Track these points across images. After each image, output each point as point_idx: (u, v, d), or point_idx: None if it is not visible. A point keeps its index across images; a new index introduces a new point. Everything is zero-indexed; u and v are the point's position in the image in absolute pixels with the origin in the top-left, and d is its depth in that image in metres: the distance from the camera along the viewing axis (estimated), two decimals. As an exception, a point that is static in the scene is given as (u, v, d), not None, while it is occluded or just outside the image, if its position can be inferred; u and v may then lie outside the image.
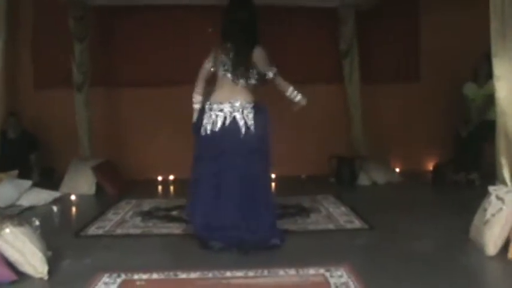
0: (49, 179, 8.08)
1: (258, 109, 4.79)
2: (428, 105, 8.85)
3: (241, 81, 4.79)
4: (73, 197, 6.94)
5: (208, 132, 4.74)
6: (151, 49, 8.73)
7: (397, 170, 8.64)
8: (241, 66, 4.76)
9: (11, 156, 6.86)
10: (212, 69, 4.91)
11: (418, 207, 6.52)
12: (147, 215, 6.17)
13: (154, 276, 4.04)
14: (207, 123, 4.75)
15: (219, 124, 4.70)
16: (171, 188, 8.29)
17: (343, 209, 6.36)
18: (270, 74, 4.76)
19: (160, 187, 8.33)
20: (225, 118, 4.71)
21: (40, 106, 8.69)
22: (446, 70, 8.70)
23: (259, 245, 4.63)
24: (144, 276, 4.02)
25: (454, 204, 6.55)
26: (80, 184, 7.60)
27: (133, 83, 8.72)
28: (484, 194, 4.66)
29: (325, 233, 5.38)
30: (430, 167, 8.68)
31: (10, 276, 3.91)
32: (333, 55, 8.63)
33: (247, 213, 4.68)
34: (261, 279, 3.94)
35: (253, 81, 4.84)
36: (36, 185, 7.18)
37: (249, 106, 4.74)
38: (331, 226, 5.62)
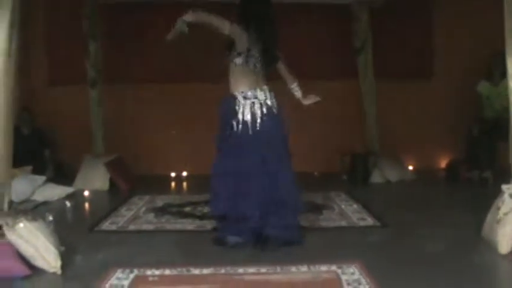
0: (62, 174, 8.11)
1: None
2: (442, 102, 8.80)
3: (262, 71, 4.70)
4: (86, 193, 6.98)
5: (248, 123, 4.52)
6: (164, 47, 8.70)
7: (411, 167, 8.61)
8: (269, 59, 4.70)
9: (25, 152, 6.90)
10: (227, 33, 4.64)
11: (431, 205, 6.50)
12: (160, 211, 6.19)
13: (167, 272, 4.05)
14: (242, 112, 4.53)
15: (258, 113, 4.53)
16: (184, 184, 8.31)
17: (355, 206, 6.35)
18: (295, 92, 4.97)
19: (173, 183, 8.36)
20: (261, 105, 4.55)
21: (54, 103, 8.73)
22: (460, 67, 8.66)
23: (278, 241, 4.61)
24: (157, 272, 4.03)
25: (467, 203, 6.53)
26: (93, 180, 7.64)
27: (146, 79, 8.74)
28: (497, 192, 4.63)
29: (338, 230, 5.38)
30: (444, 164, 8.65)
31: (24, 270, 3.94)
32: (346, 52, 8.60)
33: (270, 207, 4.61)
34: (273, 276, 3.94)
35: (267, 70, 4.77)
36: (50, 180, 7.23)
37: (271, 92, 4.68)
38: (343, 223, 5.61)
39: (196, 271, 4.04)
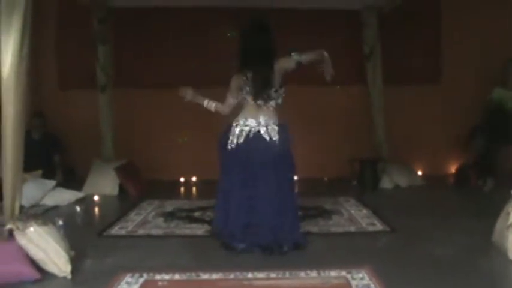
0: (72, 179, 8.14)
1: (280, 126, 4.89)
2: (451, 107, 8.78)
3: (263, 103, 4.87)
4: (96, 198, 7.00)
5: (234, 146, 4.82)
6: (173, 50, 8.77)
7: (420, 172, 8.60)
8: (261, 90, 4.84)
9: (35, 157, 6.92)
10: (235, 100, 5.03)
11: (440, 210, 6.48)
12: (169, 216, 6.20)
13: (177, 276, 4.06)
14: (232, 137, 4.85)
15: (243, 136, 4.81)
16: (194, 189, 8.32)
17: (365, 211, 6.34)
18: (297, 58, 4.91)
19: (182, 188, 8.37)
20: (249, 131, 4.82)
21: (64, 107, 8.78)
22: (468, 73, 8.67)
23: (283, 245, 4.66)
24: (166, 277, 4.04)
25: (476, 208, 6.51)
26: (102, 185, 7.66)
27: (156, 84, 8.76)
28: (507, 197, 4.61)
29: (347, 235, 5.37)
30: (453, 170, 8.61)
31: (34, 274, 3.96)
32: (355, 57, 8.60)
33: (274, 215, 4.71)
34: (282, 281, 3.94)
35: (273, 103, 4.90)
36: (59, 185, 7.25)
37: (272, 123, 4.86)
38: (352, 228, 5.60)
39: (205, 276, 4.05)
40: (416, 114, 8.88)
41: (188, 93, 5.17)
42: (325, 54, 4.99)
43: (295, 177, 5.23)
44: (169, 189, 8.06)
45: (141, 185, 7.82)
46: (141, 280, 3.97)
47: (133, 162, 8.18)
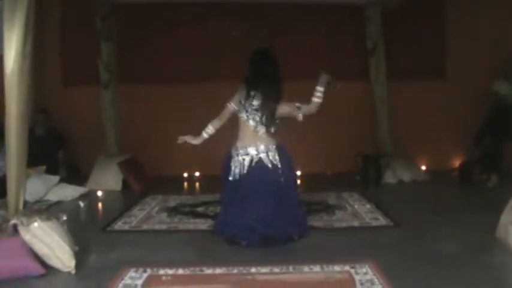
0: (76, 175, 8.16)
1: (280, 149, 5.00)
2: (454, 103, 8.76)
3: (263, 129, 4.94)
4: (99, 193, 7.01)
5: (237, 176, 4.94)
6: (176, 47, 8.76)
7: (423, 167, 8.59)
8: (266, 117, 4.92)
9: (39, 153, 6.92)
10: (234, 110, 5.02)
11: (444, 205, 6.48)
12: (173, 211, 6.21)
13: (180, 271, 4.07)
14: (235, 167, 4.96)
15: (246, 165, 4.92)
16: (197, 184, 8.33)
17: (368, 206, 6.35)
18: (300, 116, 4.94)
19: (185, 183, 8.38)
20: (251, 160, 4.92)
21: (67, 104, 8.79)
22: (473, 68, 8.63)
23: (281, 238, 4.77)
24: (170, 272, 4.05)
25: (480, 203, 6.50)
26: (106, 180, 7.68)
27: (159, 80, 8.76)
28: (511, 193, 4.61)
29: (351, 230, 5.38)
30: (457, 165, 8.60)
31: (39, 269, 3.98)
32: (358, 53, 8.60)
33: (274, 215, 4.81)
34: (286, 276, 3.95)
35: (273, 130, 4.97)
36: (63, 180, 7.27)
37: (273, 148, 4.95)
38: (356, 223, 5.61)
39: (209, 271, 4.06)
40: (420, 110, 8.87)
41: (192, 141, 5.14)
42: (321, 87, 4.96)
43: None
44: (173, 185, 8.06)
45: (144, 180, 7.83)
46: (145, 275, 3.98)
47: (137, 157, 8.19)
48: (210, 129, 5.05)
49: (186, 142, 5.09)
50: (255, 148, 4.92)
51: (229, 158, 5.04)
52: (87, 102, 8.65)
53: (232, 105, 4.99)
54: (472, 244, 4.71)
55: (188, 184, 8.35)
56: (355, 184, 7.82)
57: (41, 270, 3.98)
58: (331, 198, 6.74)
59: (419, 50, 8.86)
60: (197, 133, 4.98)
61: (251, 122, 4.94)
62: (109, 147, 8.17)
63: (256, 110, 4.92)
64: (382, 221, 5.67)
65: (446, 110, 8.84)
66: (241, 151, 4.95)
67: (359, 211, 6.11)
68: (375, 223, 5.60)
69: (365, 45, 8.43)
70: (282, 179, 4.89)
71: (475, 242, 4.76)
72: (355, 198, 6.79)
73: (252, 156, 4.92)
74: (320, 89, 4.91)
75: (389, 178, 8.00)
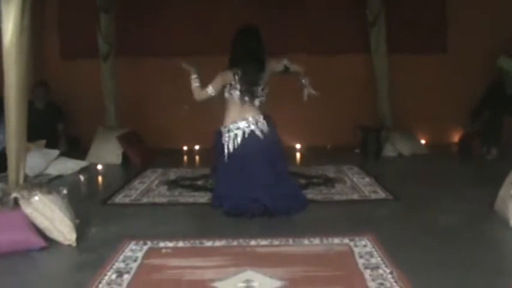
0: (75, 148, 8.15)
1: (267, 119, 5.16)
2: (455, 76, 8.71)
3: (249, 101, 5.07)
4: (99, 167, 7.01)
5: (231, 150, 5.06)
6: (175, 19, 8.71)
7: (423, 141, 8.58)
8: (248, 87, 5.03)
9: (39, 126, 6.92)
10: (214, 93, 5.09)
11: (443, 178, 6.48)
12: (172, 184, 6.23)
13: (180, 244, 4.09)
14: (228, 142, 5.07)
15: (239, 139, 5.04)
16: (197, 157, 8.33)
17: (367, 179, 6.36)
18: (286, 63, 5.19)
19: (185, 157, 8.39)
20: (244, 132, 5.04)
21: (66, 76, 8.75)
22: (474, 41, 8.57)
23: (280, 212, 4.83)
24: (170, 244, 4.08)
25: (479, 177, 6.52)
26: (106, 154, 7.67)
27: (158, 52, 8.72)
28: (511, 167, 4.62)
29: (350, 203, 5.40)
30: (457, 138, 8.60)
31: (40, 242, 4.00)
32: (359, 25, 8.54)
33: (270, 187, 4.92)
34: (285, 248, 3.98)
35: (258, 102, 5.12)
36: (63, 154, 7.27)
37: (261, 119, 5.10)
38: (355, 196, 5.63)
39: (209, 243, 4.08)
40: (421, 83, 8.82)
41: (184, 62, 5.30)
42: (306, 79, 5.28)
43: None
44: (173, 158, 8.07)
45: (144, 153, 7.83)
46: (145, 247, 4.00)
47: (136, 131, 8.17)
48: (196, 82, 5.15)
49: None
50: (245, 121, 5.05)
51: (219, 135, 5.17)
52: (86, 74, 8.60)
53: (210, 89, 5.05)
54: (471, 217, 4.74)
55: (188, 157, 8.35)
56: (354, 157, 7.82)
57: (42, 243, 4.00)
58: (331, 172, 6.75)
59: (420, 23, 8.78)
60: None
61: (237, 98, 5.06)
62: (108, 120, 8.15)
63: (243, 81, 5.03)
64: (382, 194, 5.68)
65: (447, 83, 8.79)
66: (231, 126, 5.07)
67: (358, 184, 6.12)
68: (374, 196, 5.62)
69: (364, 17, 8.37)
70: (272, 149, 5.06)
71: (474, 215, 4.78)
72: (354, 172, 6.80)
73: (243, 130, 5.05)
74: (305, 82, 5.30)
75: (388, 151, 8.00)
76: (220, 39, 8.35)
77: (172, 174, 6.85)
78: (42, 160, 6.80)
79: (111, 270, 3.56)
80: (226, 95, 5.11)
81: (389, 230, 4.40)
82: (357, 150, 8.17)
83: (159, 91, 8.79)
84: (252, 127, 5.04)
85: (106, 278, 3.43)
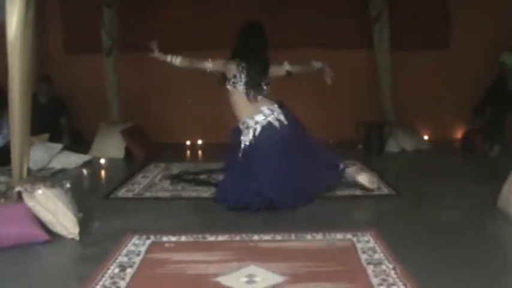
0: (78, 142, 8.16)
1: (282, 107, 5.16)
2: (458, 72, 8.69)
3: (253, 94, 5.07)
4: (102, 161, 7.02)
5: (247, 144, 5.06)
6: (179, 14, 8.70)
7: (426, 137, 8.57)
8: (255, 84, 5.06)
9: (42, 121, 6.92)
10: (211, 68, 5.24)
11: (446, 175, 6.48)
12: (175, 179, 6.23)
13: (183, 238, 4.10)
14: (246, 136, 5.07)
15: (257, 133, 5.03)
16: (199, 152, 8.33)
17: (370, 175, 6.34)
18: (288, 68, 5.24)
19: (188, 151, 8.39)
20: (262, 126, 5.03)
21: (70, 71, 8.76)
22: (476, 37, 8.55)
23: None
24: (173, 239, 4.09)
25: (482, 173, 6.51)
26: (109, 148, 7.68)
27: (161, 47, 8.68)
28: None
29: (353, 199, 5.39)
30: (460, 135, 8.59)
31: (43, 236, 4.01)
32: (362, 20, 8.52)
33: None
34: (288, 243, 3.98)
35: (265, 92, 5.14)
36: (66, 148, 7.28)
37: (275, 108, 5.10)
38: (358, 192, 5.61)
39: (211, 238, 4.09)
40: (424, 79, 8.80)
41: (154, 52, 5.50)
42: (318, 65, 5.34)
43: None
44: (176, 152, 8.07)
45: (147, 148, 7.85)
46: (148, 242, 4.01)
47: (140, 125, 8.18)
48: (176, 58, 5.43)
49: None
50: (261, 114, 5.03)
51: (238, 132, 5.15)
52: (89, 69, 8.62)
53: (209, 64, 5.21)
54: (474, 213, 4.74)
55: (191, 152, 8.36)
56: (357, 153, 7.82)
57: (45, 237, 4.01)
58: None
59: (422, 18, 8.77)
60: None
61: (245, 92, 5.05)
62: (112, 114, 8.16)
63: (248, 79, 5.05)
64: (385, 190, 5.67)
65: (450, 79, 8.78)
66: (250, 122, 5.05)
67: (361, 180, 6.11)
68: (377, 192, 5.60)
69: (367, 12, 8.35)
70: (293, 137, 5.02)
71: (476, 211, 4.79)
72: (357, 167, 6.77)
73: (261, 123, 5.02)
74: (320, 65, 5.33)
75: (391, 147, 8.00)
76: (223, 34, 8.34)
77: (175, 168, 6.85)
78: (46, 154, 6.81)
79: (114, 264, 3.57)
80: (230, 87, 5.11)
81: (392, 225, 4.40)
82: (360, 146, 8.16)
83: (162, 86, 8.79)
84: (269, 118, 5.02)
85: (109, 271, 3.44)
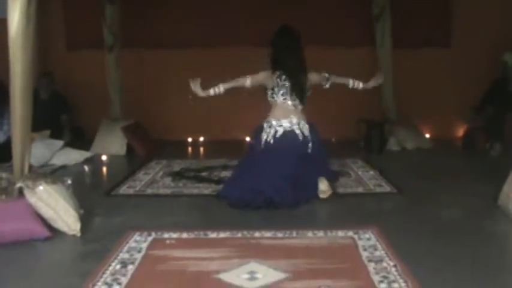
0: (80, 139, 8.16)
1: (312, 126, 5.30)
2: (459, 71, 8.69)
3: (295, 104, 5.21)
4: (104, 157, 7.01)
5: (265, 143, 5.15)
6: (180, 11, 8.70)
7: (427, 135, 8.57)
8: (297, 92, 5.18)
9: (43, 117, 6.94)
10: (249, 87, 5.18)
11: (447, 173, 6.48)
12: (177, 176, 6.24)
13: (184, 235, 4.10)
14: (267, 135, 5.17)
15: (278, 134, 5.14)
16: (201, 149, 8.33)
17: (372, 173, 6.36)
18: (327, 85, 5.49)
19: (190, 148, 8.39)
20: (284, 130, 5.15)
21: (72, 67, 8.77)
22: (478, 35, 8.55)
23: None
24: (174, 235, 4.09)
25: (483, 171, 6.51)
26: (110, 144, 7.68)
27: (164, 44, 8.71)
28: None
29: (354, 197, 5.40)
30: (461, 133, 8.58)
31: (44, 232, 4.01)
32: (364, 18, 8.51)
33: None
34: (289, 240, 3.98)
35: (300, 106, 5.26)
36: (67, 145, 7.28)
37: (304, 121, 5.24)
38: (360, 190, 5.63)
39: (213, 235, 4.09)
40: (425, 77, 8.80)
41: (198, 91, 5.29)
42: (357, 85, 5.72)
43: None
44: (177, 149, 8.07)
45: (148, 144, 7.85)
46: (150, 238, 4.01)
47: (141, 122, 8.18)
48: (218, 88, 5.16)
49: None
50: (288, 120, 5.16)
51: (260, 130, 5.23)
52: (91, 66, 8.60)
53: (248, 82, 5.12)
54: (474, 211, 4.74)
55: (192, 149, 8.35)
56: (358, 150, 7.82)
57: (46, 233, 4.01)
58: (335, 165, 6.73)
59: (424, 17, 8.77)
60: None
61: (284, 99, 5.17)
62: (113, 111, 8.15)
63: (288, 86, 5.13)
64: (386, 187, 5.68)
65: (451, 78, 8.77)
66: (274, 123, 5.17)
67: (363, 177, 6.13)
68: (378, 190, 5.62)
69: (369, 10, 8.34)
70: (310, 151, 5.13)
71: (477, 210, 4.79)
72: (358, 165, 6.80)
73: (285, 128, 5.15)
74: (367, 86, 5.73)
75: (392, 145, 8.00)
76: (225, 31, 8.42)
77: (177, 165, 6.85)
78: (47, 150, 6.82)
79: (116, 261, 3.57)
80: (270, 99, 5.24)
81: (393, 223, 4.40)
82: (361, 144, 8.15)
83: (164, 83, 8.79)
84: (294, 127, 5.15)
85: (110, 268, 3.45)
